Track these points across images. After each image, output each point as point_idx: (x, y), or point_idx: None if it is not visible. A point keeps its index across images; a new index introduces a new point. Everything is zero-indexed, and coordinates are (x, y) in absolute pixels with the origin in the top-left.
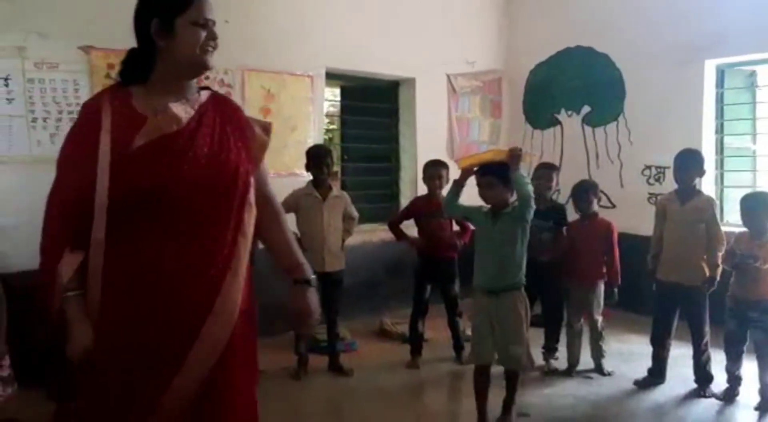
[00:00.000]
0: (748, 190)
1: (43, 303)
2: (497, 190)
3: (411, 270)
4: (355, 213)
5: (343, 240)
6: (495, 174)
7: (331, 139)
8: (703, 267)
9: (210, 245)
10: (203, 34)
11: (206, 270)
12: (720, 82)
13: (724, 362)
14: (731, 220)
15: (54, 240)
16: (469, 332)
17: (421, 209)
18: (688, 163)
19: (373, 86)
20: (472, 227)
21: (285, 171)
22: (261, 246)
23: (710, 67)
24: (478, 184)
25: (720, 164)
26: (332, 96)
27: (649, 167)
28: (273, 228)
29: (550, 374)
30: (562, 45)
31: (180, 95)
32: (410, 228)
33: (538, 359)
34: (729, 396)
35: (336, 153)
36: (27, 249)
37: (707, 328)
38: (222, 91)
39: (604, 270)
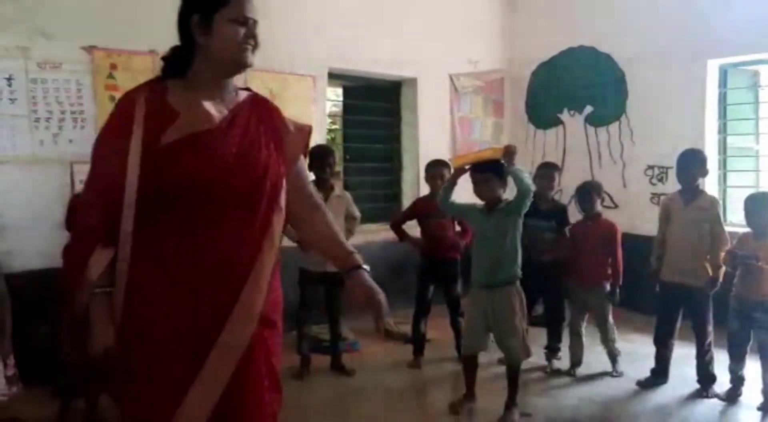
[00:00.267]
0: (751, 190)
1: (68, 298)
2: (493, 185)
3: (413, 271)
4: (358, 213)
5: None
6: (491, 170)
7: (333, 139)
8: (707, 268)
9: (233, 248)
10: (242, 31)
11: (228, 273)
12: (723, 82)
13: (727, 362)
14: (734, 220)
15: (85, 236)
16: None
17: (423, 209)
18: (691, 163)
19: (375, 86)
20: None
21: None
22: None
23: (713, 67)
24: (475, 181)
25: (723, 164)
26: (334, 96)
27: (651, 167)
28: (318, 223)
29: (553, 374)
30: (565, 45)
31: (216, 94)
32: (413, 228)
33: (541, 359)
34: (732, 397)
35: (338, 153)
36: (30, 249)
37: (710, 328)
38: None
39: (609, 271)
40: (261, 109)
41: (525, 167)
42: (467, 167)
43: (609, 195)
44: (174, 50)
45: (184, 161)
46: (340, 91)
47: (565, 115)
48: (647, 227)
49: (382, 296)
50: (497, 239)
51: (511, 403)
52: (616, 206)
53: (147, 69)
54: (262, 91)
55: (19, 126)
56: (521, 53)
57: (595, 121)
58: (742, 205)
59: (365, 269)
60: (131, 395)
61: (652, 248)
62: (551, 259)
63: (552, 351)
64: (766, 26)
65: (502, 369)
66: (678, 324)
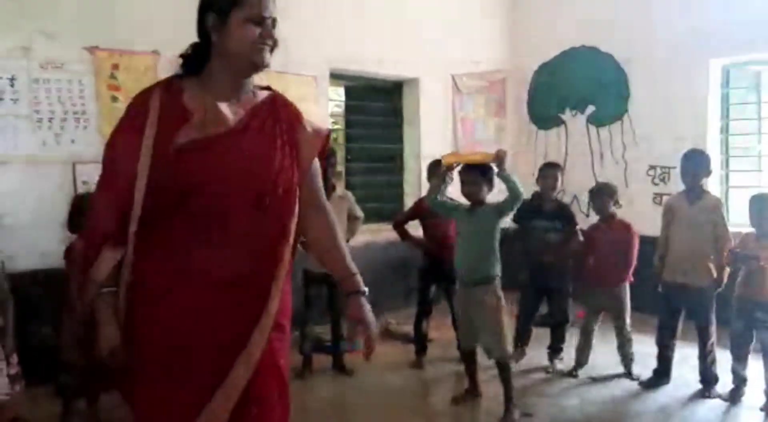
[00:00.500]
0: (754, 190)
1: (74, 298)
2: (480, 187)
3: (415, 271)
4: (360, 213)
5: (347, 241)
6: (480, 172)
7: (335, 139)
8: (710, 269)
9: (250, 256)
10: (257, 31)
11: (250, 282)
12: (725, 82)
13: (730, 363)
14: (736, 220)
15: (93, 237)
16: None
17: (426, 209)
18: (695, 163)
19: (377, 86)
20: None
21: None
22: None
23: (715, 67)
24: (463, 181)
25: (725, 164)
26: (336, 96)
27: (653, 167)
28: (324, 236)
29: (555, 374)
30: (567, 45)
31: (232, 94)
32: (415, 228)
33: (543, 360)
34: (734, 397)
35: (340, 153)
36: (33, 249)
37: (713, 329)
38: None
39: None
40: (279, 110)
41: (527, 167)
42: (456, 166)
43: None
44: (193, 47)
45: (195, 165)
46: (342, 91)
47: (566, 115)
48: (649, 227)
49: (374, 329)
50: (477, 238)
51: (509, 403)
52: (619, 206)
53: (149, 69)
54: None
55: (21, 126)
56: (523, 53)
57: (596, 121)
58: (744, 205)
59: (365, 295)
60: (148, 398)
61: (654, 248)
62: (555, 260)
63: (554, 351)
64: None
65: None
66: (680, 325)
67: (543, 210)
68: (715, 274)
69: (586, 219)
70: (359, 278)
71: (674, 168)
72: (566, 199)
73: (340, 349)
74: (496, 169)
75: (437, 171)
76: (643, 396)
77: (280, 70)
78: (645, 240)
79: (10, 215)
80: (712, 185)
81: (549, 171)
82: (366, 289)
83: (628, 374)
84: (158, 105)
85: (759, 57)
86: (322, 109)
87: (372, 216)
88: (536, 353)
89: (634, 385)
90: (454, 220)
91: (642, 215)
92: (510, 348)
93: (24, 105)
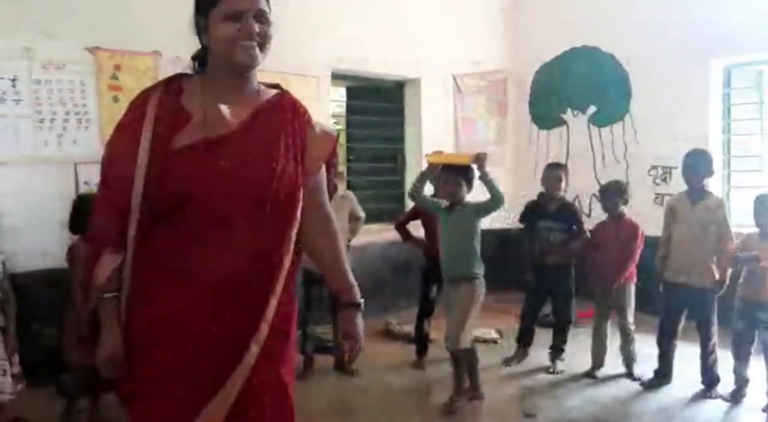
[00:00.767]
0: (755, 191)
1: (81, 305)
2: (460, 188)
3: (417, 271)
4: (362, 214)
5: (349, 241)
6: (462, 174)
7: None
8: (712, 269)
9: (249, 262)
10: (236, 28)
11: (248, 290)
12: (727, 82)
13: (731, 363)
14: (738, 221)
15: (94, 240)
16: (474, 332)
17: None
18: (698, 163)
19: (378, 86)
20: None
21: None
22: None
23: (717, 67)
24: (444, 180)
25: (727, 164)
26: (338, 96)
27: (655, 167)
28: (325, 245)
29: (556, 374)
30: (568, 45)
31: (234, 95)
32: (416, 228)
33: (545, 360)
34: (736, 398)
35: (341, 153)
36: (34, 249)
37: (715, 329)
38: None
39: (634, 271)
40: (286, 111)
41: (528, 167)
42: (440, 166)
43: None
44: (201, 49)
45: (193, 168)
46: (343, 91)
47: (568, 115)
48: (651, 227)
49: (362, 343)
50: (455, 237)
51: (470, 387)
52: (628, 205)
53: (150, 70)
54: None
55: (23, 126)
56: (524, 53)
57: (598, 121)
58: (746, 206)
59: (360, 308)
60: (145, 400)
61: (655, 248)
62: (559, 260)
63: (556, 351)
64: None
65: (507, 371)
66: (681, 325)
67: (547, 210)
68: (717, 275)
69: (587, 219)
70: (356, 290)
71: (675, 168)
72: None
73: (342, 350)
74: (478, 172)
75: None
76: (644, 396)
77: (282, 70)
78: (646, 241)
79: (11, 215)
80: (714, 185)
81: (553, 171)
82: (362, 302)
83: (629, 374)
84: (156, 106)
85: (760, 57)
86: (324, 109)
87: (373, 217)
88: (538, 353)
89: (635, 385)
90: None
91: (643, 215)
92: (467, 343)
93: (26, 105)
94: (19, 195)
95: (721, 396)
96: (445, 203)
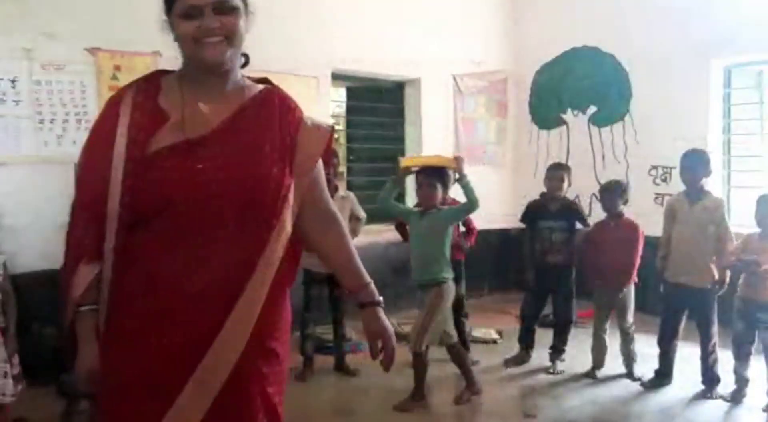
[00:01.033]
0: (755, 191)
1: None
2: (435, 191)
3: None
4: (363, 214)
5: None
6: (437, 177)
7: (337, 140)
8: (712, 269)
9: (222, 271)
10: (195, 24)
11: (214, 299)
12: (727, 82)
13: (732, 363)
14: (738, 221)
15: (70, 251)
16: (475, 333)
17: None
18: (695, 163)
19: (378, 87)
20: (477, 228)
21: None
22: None
23: (717, 67)
24: (420, 184)
25: (727, 164)
26: (338, 97)
27: (655, 167)
28: (330, 243)
29: (557, 375)
30: (568, 45)
31: (214, 91)
32: None
33: (545, 360)
34: (736, 398)
35: (342, 153)
36: (35, 250)
37: (715, 330)
38: None
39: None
40: (273, 107)
41: (528, 168)
42: (415, 170)
43: None
44: None
45: (171, 172)
46: (343, 91)
47: (568, 116)
48: (651, 228)
49: (394, 341)
50: (426, 241)
51: (414, 393)
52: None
53: (150, 70)
54: None
55: (23, 127)
56: (525, 53)
57: (598, 121)
58: (746, 206)
59: (381, 305)
60: (114, 410)
61: (655, 248)
62: (560, 259)
63: (556, 352)
64: None
65: (507, 372)
66: (682, 325)
67: (549, 210)
68: (716, 275)
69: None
70: (373, 287)
71: (676, 168)
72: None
73: (343, 350)
74: (456, 175)
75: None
76: (644, 396)
77: (281, 70)
78: (647, 241)
79: (11, 215)
80: (714, 185)
81: (556, 171)
82: (381, 299)
83: (629, 374)
84: (130, 107)
85: (760, 57)
86: (324, 109)
87: (374, 217)
88: (538, 354)
89: (635, 385)
90: (407, 223)
91: (643, 215)
92: (422, 343)
93: (26, 106)
94: (19, 195)
95: (721, 397)
96: (415, 208)
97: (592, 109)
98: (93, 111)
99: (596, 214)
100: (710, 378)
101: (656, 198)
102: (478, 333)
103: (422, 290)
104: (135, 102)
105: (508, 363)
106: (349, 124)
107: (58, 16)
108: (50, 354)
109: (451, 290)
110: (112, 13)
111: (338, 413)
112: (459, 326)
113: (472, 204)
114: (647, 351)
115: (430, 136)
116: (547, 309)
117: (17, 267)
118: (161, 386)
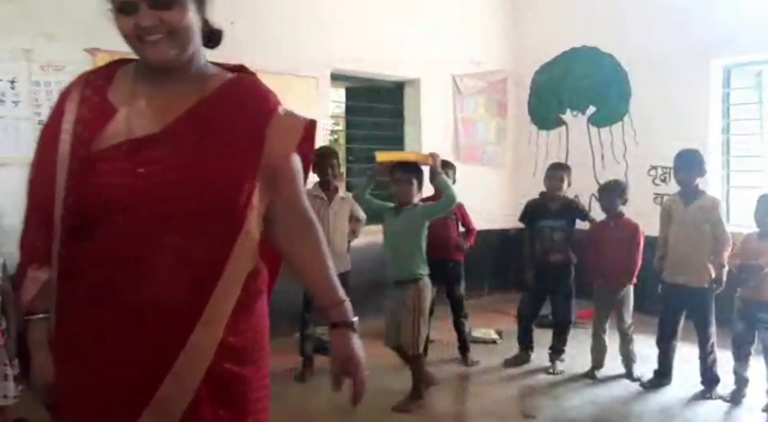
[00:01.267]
0: (755, 191)
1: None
2: (410, 188)
3: None
4: (362, 215)
5: (349, 242)
6: (413, 173)
7: (336, 140)
8: (709, 269)
9: (174, 285)
10: (132, 21)
11: (170, 317)
12: (727, 82)
13: (731, 363)
14: (737, 221)
15: (24, 254)
16: (474, 333)
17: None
18: (688, 163)
19: (378, 87)
20: (477, 229)
21: None
22: None
23: (716, 67)
24: (396, 180)
25: (726, 164)
26: (337, 97)
27: (655, 167)
28: (301, 252)
29: (556, 375)
30: (568, 45)
31: (170, 83)
32: None
33: (544, 360)
34: (736, 398)
35: (341, 154)
36: None
37: (713, 330)
38: None
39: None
40: (240, 98)
41: (528, 168)
42: (392, 166)
43: None
44: None
45: (108, 177)
46: (342, 92)
47: (568, 116)
48: (650, 228)
49: (364, 371)
50: (401, 237)
51: (413, 388)
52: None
53: None
54: None
55: (22, 128)
56: (524, 54)
57: (598, 121)
58: (745, 206)
59: (353, 328)
60: None
61: (654, 248)
62: (561, 259)
63: (556, 352)
64: None
65: (508, 372)
66: (680, 325)
67: (549, 209)
68: (713, 274)
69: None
70: (348, 306)
71: None
72: None
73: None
74: (431, 172)
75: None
76: (644, 396)
77: (281, 71)
78: (646, 241)
79: (11, 216)
80: (714, 185)
81: (555, 171)
82: (356, 319)
83: (628, 375)
84: (76, 102)
85: (760, 57)
86: (323, 110)
87: (373, 218)
88: (538, 354)
89: (635, 386)
90: (383, 220)
91: (643, 215)
92: (421, 345)
93: (25, 107)
94: (19, 195)
95: (721, 397)
96: (390, 204)
97: (592, 109)
98: None
99: (595, 214)
100: (709, 378)
101: (655, 198)
102: (477, 333)
103: (396, 287)
104: (83, 96)
105: (508, 363)
106: (348, 125)
107: (57, 17)
108: None
109: (428, 286)
110: (111, 14)
111: (338, 413)
112: (458, 326)
113: (449, 199)
114: (646, 351)
115: (430, 137)
116: (546, 310)
117: (15, 267)
118: (113, 412)
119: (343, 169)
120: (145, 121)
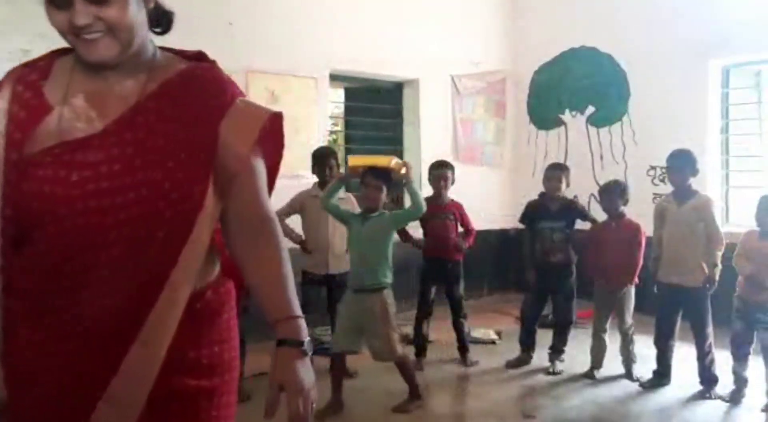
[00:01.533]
0: (754, 191)
1: None
2: (380, 193)
3: (416, 272)
4: None
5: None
6: (383, 179)
7: (335, 141)
8: (703, 268)
9: (110, 302)
10: (65, 17)
11: (103, 336)
12: (725, 82)
13: (730, 363)
14: (736, 221)
15: None
16: (474, 333)
17: (426, 210)
18: (682, 163)
19: (377, 87)
20: (476, 229)
21: (289, 173)
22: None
23: (715, 67)
24: (366, 184)
25: (725, 164)
26: (336, 97)
27: (654, 167)
28: (253, 260)
29: (556, 375)
30: (567, 45)
31: (113, 78)
32: (415, 229)
33: (544, 360)
34: (735, 398)
35: (340, 154)
36: None
37: (710, 330)
38: None
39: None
40: (192, 91)
41: (527, 168)
42: (362, 170)
43: None
44: None
45: (39, 184)
46: (341, 92)
47: (566, 116)
48: (649, 228)
49: (308, 400)
50: (367, 245)
51: (410, 393)
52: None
53: None
54: (264, 93)
55: None
56: (523, 54)
57: (596, 121)
58: (744, 206)
59: (303, 348)
60: None
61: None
62: (561, 259)
63: (556, 352)
64: (767, 26)
65: (507, 372)
66: (677, 325)
67: (549, 210)
68: (707, 273)
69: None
70: (301, 324)
71: None
72: None
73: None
74: (403, 180)
75: (438, 172)
76: (643, 396)
77: (280, 71)
78: (647, 241)
79: None
80: (713, 185)
81: (554, 171)
82: (306, 340)
83: (628, 375)
84: (7, 100)
85: (759, 57)
86: (322, 110)
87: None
88: (538, 354)
89: (634, 386)
90: (347, 226)
91: (642, 215)
92: (399, 348)
93: None
94: None
95: (720, 397)
96: (358, 211)
97: (591, 110)
98: None
99: (595, 215)
100: (708, 378)
101: (654, 198)
102: (477, 333)
103: (358, 294)
104: (14, 92)
105: (510, 365)
106: (347, 125)
107: None
108: None
109: (391, 295)
110: None
111: (337, 413)
112: (458, 327)
113: (418, 208)
114: (646, 351)
115: (429, 137)
116: (547, 310)
117: None
118: None
119: (342, 169)
120: (83, 120)
